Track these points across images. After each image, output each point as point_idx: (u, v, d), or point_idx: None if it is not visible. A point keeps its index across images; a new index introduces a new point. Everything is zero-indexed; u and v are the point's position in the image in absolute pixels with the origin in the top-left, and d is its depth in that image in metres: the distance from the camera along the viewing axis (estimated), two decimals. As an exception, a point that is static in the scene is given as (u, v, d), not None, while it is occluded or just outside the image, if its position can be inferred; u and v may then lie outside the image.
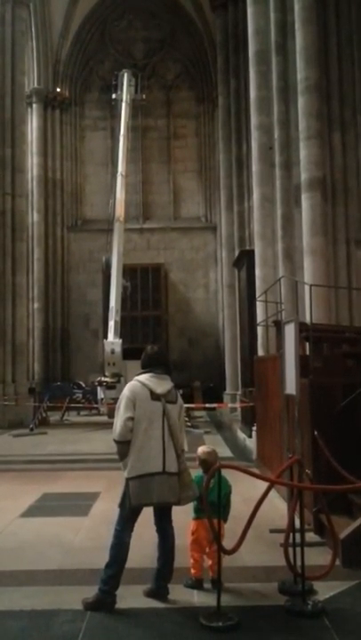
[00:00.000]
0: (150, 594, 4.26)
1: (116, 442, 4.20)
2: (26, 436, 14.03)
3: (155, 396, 4.22)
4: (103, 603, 4.07)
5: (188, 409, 13.07)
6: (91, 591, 4.13)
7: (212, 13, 19.37)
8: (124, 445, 4.17)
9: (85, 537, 5.79)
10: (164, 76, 25.05)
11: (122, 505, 4.19)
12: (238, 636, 3.75)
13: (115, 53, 25.04)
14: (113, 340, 16.05)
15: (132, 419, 4.15)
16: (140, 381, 4.29)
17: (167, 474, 4.13)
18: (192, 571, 4.49)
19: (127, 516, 4.19)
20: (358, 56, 10.54)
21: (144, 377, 4.32)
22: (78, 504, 7.07)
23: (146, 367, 4.41)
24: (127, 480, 4.14)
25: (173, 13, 24.58)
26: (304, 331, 6.63)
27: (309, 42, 9.76)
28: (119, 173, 18.88)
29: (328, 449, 5.29)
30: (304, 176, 9.66)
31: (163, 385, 4.30)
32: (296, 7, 9.92)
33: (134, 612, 4.05)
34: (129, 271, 19.92)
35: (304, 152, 9.67)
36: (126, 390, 4.29)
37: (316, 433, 5.59)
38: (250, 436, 10.68)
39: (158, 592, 4.24)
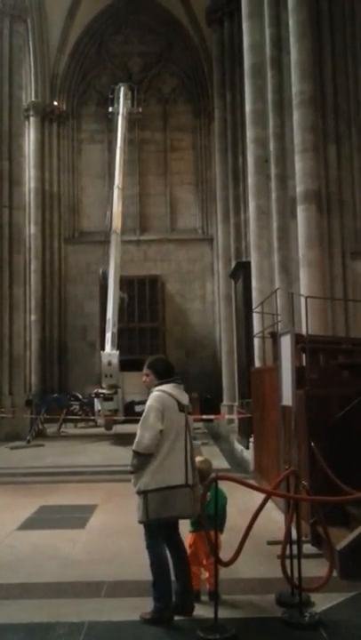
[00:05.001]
0: (176, 609, 4.08)
1: (139, 454, 4.00)
2: (23, 449, 13.98)
3: (180, 407, 4.09)
4: (161, 618, 3.98)
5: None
6: (88, 604, 4.12)
7: (207, 28, 19.53)
8: (146, 458, 3.99)
9: (83, 549, 5.77)
10: (161, 90, 25.22)
11: (143, 520, 4.03)
12: (236, 648, 3.74)
13: (112, 67, 25.23)
14: (110, 352, 16.01)
15: (161, 431, 4.00)
16: (166, 392, 4.10)
17: (189, 486, 4.01)
18: (189, 583, 4.48)
19: (154, 530, 4.06)
20: (353, 70, 10.71)
21: (168, 387, 4.14)
22: (76, 516, 7.05)
23: (165, 377, 4.22)
24: (145, 493, 3.97)
25: (170, 28, 24.78)
26: (300, 342, 6.66)
27: (304, 56, 9.89)
28: (116, 186, 18.97)
29: (325, 460, 5.30)
30: (299, 188, 9.75)
31: (184, 395, 4.20)
32: (291, 22, 10.06)
33: (130, 625, 4.02)
34: (126, 283, 19.99)
35: (299, 164, 9.77)
36: (154, 401, 4.07)
37: (312, 444, 5.60)
38: (247, 448, 10.66)
39: (185, 607, 4.10)
